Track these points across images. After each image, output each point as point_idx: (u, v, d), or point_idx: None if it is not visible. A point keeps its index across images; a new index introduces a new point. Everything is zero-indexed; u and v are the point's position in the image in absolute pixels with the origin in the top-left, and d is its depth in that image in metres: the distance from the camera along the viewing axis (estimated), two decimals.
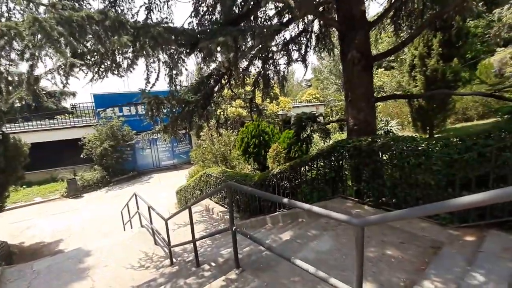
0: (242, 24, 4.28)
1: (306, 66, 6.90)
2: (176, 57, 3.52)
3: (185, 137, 15.85)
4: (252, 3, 4.22)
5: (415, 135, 3.85)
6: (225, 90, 6.47)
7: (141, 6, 4.98)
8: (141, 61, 4.01)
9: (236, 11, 4.59)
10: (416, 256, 2.69)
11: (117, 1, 4.75)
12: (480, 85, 12.63)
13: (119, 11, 4.77)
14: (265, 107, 15.58)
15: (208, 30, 3.48)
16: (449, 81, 10.11)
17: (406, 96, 9.33)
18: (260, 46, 3.94)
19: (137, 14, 4.92)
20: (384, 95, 16.94)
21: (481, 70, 14.88)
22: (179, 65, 3.73)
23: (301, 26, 6.51)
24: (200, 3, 5.22)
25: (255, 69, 6.54)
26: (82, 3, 4.13)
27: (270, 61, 6.31)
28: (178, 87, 4.81)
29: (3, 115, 7.00)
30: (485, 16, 16.93)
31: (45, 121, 16.96)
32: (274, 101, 17.23)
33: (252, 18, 4.95)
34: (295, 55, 6.63)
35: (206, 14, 5.31)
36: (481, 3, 8.04)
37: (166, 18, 5.13)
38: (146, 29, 2.98)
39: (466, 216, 2.97)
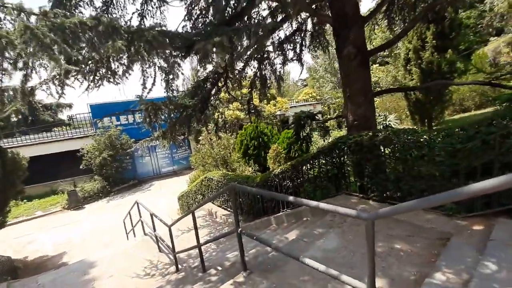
0: (236, 24, 4.26)
1: (302, 65, 6.91)
2: (171, 61, 3.49)
3: (184, 143, 15.81)
4: (245, 3, 4.20)
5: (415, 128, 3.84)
6: (222, 93, 6.45)
7: (133, 13, 4.96)
8: (137, 68, 3.97)
9: (230, 12, 4.59)
10: (424, 248, 2.65)
11: (109, 9, 4.74)
12: (477, 75, 12.64)
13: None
14: (263, 108, 15.57)
15: (203, 32, 3.46)
16: (444, 73, 10.12)
17: (403, 89, 9.34)
18: (255, 45, 3.92)
19: (130, 21, 4.90)
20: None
21: (475, 61, 14.91)
22: (175, 69, 3.70)
23: (295, 25, 6.52)
24: (193, 6, 5.21)
25: (251, 70, 6.54)
26: (74, 12, 4.11)
27: (266, 61, 6.31)
28: (175, 92, 4.78)
29: (0, 130, 6.94)
30: (477, 6, 17.05)
31: (43, 134, 16.88)
32: (271, 102, 17.27)
33: (245, 18, 4.94)
34: (290, 54, 6.64)
35: (200, 17, 5.31)
36: None
37: (160, 24, 5.12)
38: (140, 33, 2.96)
39: (472, 206, 2.94)
